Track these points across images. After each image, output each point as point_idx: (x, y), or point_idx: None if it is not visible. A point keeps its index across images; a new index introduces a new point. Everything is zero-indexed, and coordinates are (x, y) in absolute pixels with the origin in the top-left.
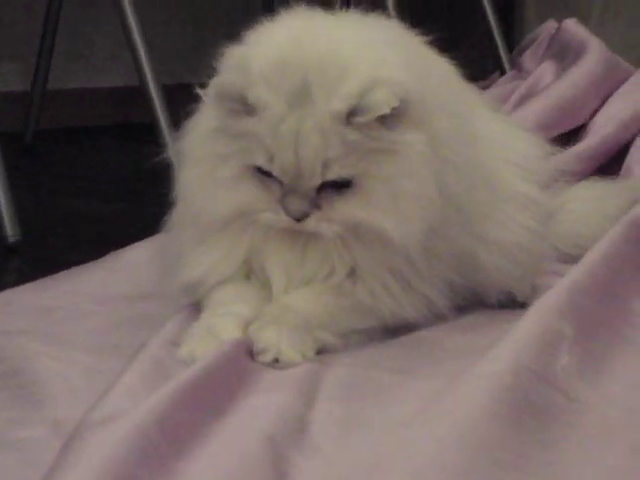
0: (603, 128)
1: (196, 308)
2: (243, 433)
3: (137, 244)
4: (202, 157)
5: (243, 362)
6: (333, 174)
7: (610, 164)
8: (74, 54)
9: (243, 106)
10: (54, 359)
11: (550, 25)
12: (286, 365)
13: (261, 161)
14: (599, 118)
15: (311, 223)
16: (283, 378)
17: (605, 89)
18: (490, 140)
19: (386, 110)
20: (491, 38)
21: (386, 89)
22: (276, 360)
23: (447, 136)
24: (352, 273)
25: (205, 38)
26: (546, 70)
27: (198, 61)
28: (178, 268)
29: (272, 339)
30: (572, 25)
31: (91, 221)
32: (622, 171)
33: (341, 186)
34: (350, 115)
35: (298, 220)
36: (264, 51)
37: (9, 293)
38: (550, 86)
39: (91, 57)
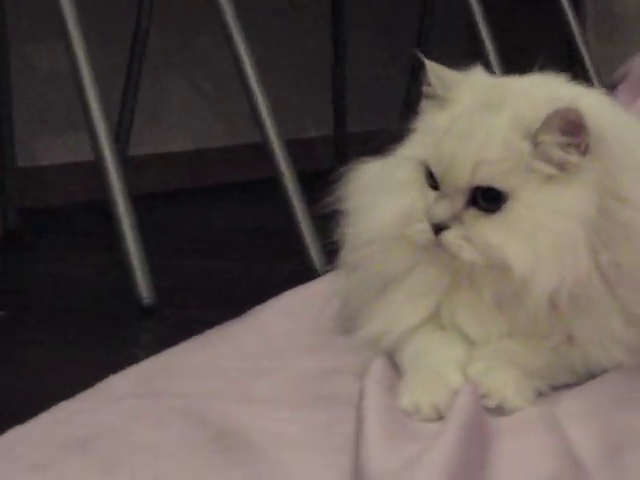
0: None
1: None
2: (524, 475)
3: (275, 300)
4: (379, 180)
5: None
6: (481, 177)
7: None
8: (145, 120)
9: (440, 88)
10: (259, 418)
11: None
12: (510, 411)
13: (428, 153)
14: None
15: (449, 237)
16: (521, 417)
17: None
18: None
19: (571, 127)
20: (585, 75)
21: (581, 115)
22: (500, 406)
23: None
24: (569, 338)
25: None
26: None
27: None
28: (359, 320)
29: (497, 385)
30: None
31: (213, 279)
32: None
33: (491, 209)
34: (529, 126)
35: (437, 231)
36: (482, 76)
37: (163, 357)
38: None
39: (161, 123)
